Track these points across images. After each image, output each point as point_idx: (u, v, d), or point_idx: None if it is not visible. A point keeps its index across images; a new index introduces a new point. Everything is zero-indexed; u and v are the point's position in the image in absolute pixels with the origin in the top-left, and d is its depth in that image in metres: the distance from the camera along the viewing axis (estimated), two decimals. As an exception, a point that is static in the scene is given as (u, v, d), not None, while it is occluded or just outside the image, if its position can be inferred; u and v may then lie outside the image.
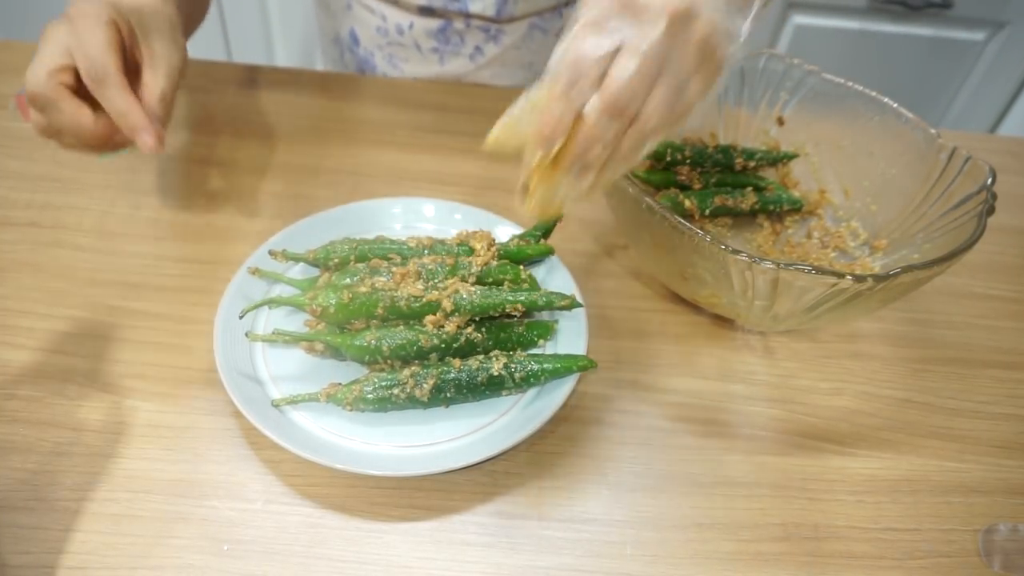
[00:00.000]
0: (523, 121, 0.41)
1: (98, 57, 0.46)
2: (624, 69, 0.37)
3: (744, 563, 0.46)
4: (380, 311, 0.50)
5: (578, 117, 0.39)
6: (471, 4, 0.78)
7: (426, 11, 0.79)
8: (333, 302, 0.49)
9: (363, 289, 0.50)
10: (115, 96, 0.47)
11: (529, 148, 0.41)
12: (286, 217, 0.63)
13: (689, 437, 0.52)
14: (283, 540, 0.44)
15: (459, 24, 0.80)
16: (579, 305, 0.52)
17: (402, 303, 0.50)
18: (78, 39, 0.46)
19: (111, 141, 0.49)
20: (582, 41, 0.38)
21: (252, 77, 0.80)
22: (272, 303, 0.52)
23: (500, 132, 0.42)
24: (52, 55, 0.47)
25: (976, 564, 0.47)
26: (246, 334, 0.51)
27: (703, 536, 0.47)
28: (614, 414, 0.53)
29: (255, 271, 0.55)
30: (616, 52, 0.37)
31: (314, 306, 0.50)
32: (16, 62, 0.78)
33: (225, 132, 0.73)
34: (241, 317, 0.51)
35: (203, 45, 1.60)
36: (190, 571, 0.42)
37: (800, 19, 1.54)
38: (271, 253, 0.55)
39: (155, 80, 0.49)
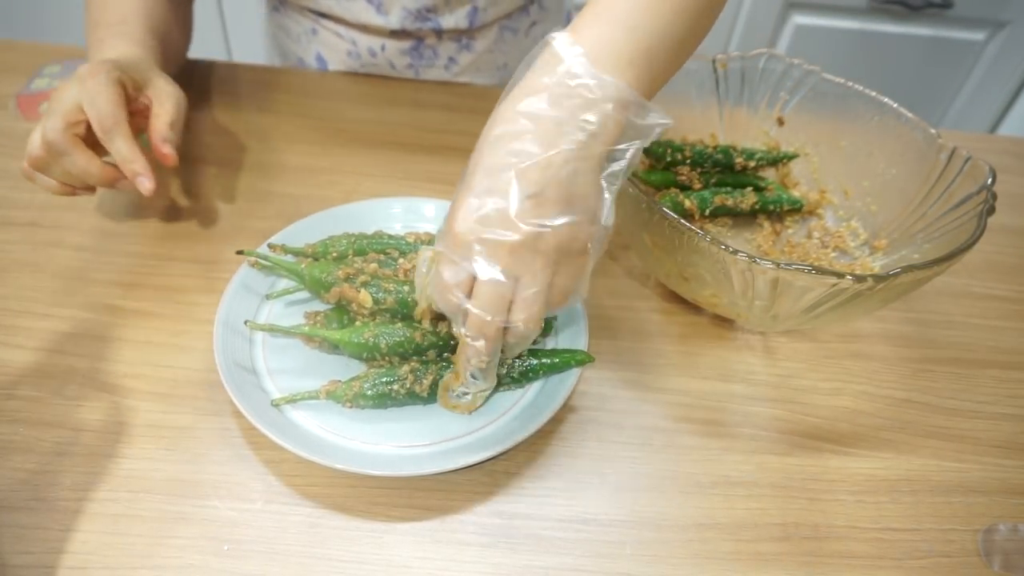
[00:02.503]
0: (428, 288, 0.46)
1: (108, 111, 0.53)
2: (475, 299, 0.41)
3: (744, 563, 0.46)
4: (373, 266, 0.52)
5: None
6: (443, 21, 0.78)
7: (398, 33, 0.79)
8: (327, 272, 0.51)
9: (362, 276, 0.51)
10: (122, 145, 0.54)
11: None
12: (286, 217, 0.63)
13: (689, 437, 0.52)
14: (283, 540, 0.44)
15: (431, 40, 0.80)
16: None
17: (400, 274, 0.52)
18: (90, 96, 0.53)
19: (111, 183, 0.56)
20: (442, 274, 0.42)
21: (252, 77, 0.80)
22: (269, 260, 0.53)
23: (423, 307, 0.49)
24: (67, 110, 0.53)
25: (976, 564, 0.47)
26: (245, 322, 0.51)
27: (703, 536, 0.47)
28: (614, 414, 0.53)
29: (255, 262, 0.55)
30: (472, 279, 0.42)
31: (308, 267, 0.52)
32: (16, 62, 0.78)
33: (225, 132, 0.73)
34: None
35: (203, 45, 1.60)
36: (190, 571, 0.42)
37: (800, 19, 1.54)
38: (270, 246, 0.56)
39: (164, 111, 0.57)
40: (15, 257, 0.58)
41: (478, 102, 0.80)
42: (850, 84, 0.64)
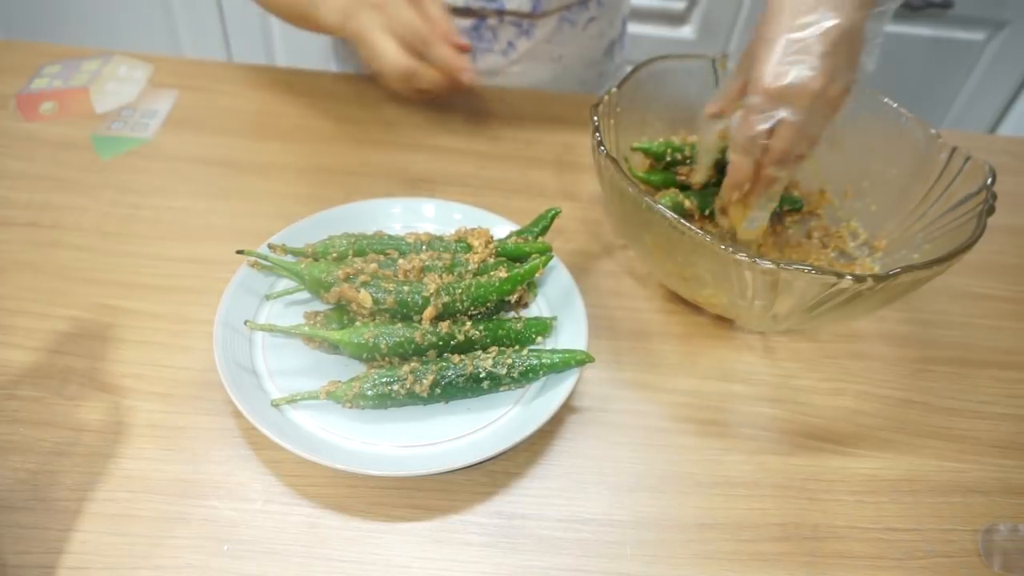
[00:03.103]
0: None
1: (417, 27, 0.60)
2: (784, 140, 0.51)
3: (744, 563, 0.46)
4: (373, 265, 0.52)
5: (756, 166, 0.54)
6: (507, 1, 0.79)
7: (462, 11, 0.81)
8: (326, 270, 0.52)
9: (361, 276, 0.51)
10: (439, 49, 0.60)
11: (725, 191, 0.57)
12: (286, 217, 0.63)
13: (689, 437, 0.52)
14: (283, 540, 0.44)
15: (492, 21, 0.82)
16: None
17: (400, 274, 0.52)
18: (394, 20, 0.60)
19: (449, 88, 0.63)
20: (749, 121, 0.52)
21: (252, 77, 0.80)
22: (269, 260, 0.53)
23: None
24: (388, 40, 0.60)
25: (976, 564, 0.47)
26: (246, 322, 0.51)
27: (703, 536, 0.47)
28: (614, 414, 0.53)
29: (254, 263, 0.55)
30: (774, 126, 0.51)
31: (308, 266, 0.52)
32: (16, 62, 0.78)
33: (225, 132, 0.73)
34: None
35: (203, 45, 1.60)
36: (190, 571, 0.42)
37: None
38: (270, 246, 0.56)
39: (435, 8, 0.62)
40: (15, 257, 0.58)
41: (478, 102, 0.80)
42: (850, 84, 0.64)
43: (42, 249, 0.59)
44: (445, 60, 0.60)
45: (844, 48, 0.49)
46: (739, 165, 0.54)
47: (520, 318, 0.54)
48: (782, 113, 0.50)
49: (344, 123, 0.76)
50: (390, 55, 0.60)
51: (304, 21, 0.70)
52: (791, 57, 0.49)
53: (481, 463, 0.48)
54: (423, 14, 0.61)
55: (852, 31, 0.49)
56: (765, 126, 0.51)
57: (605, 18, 0.89)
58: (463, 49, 0.61)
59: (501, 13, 0.81)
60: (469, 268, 0.54)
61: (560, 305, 0.56)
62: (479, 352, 0.50)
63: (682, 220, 0.48)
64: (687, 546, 0.46)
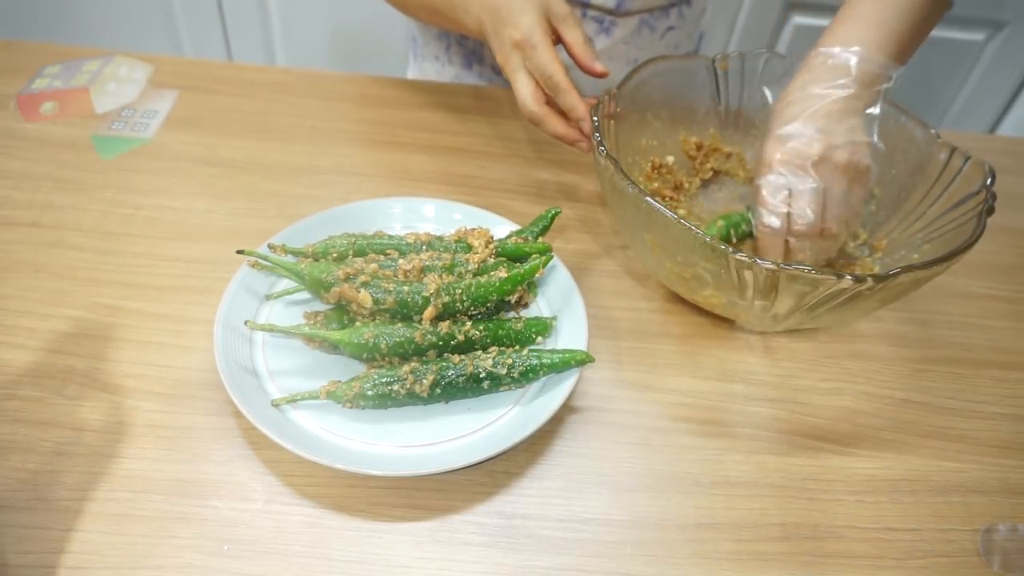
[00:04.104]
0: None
1: (551, 73, 0.59)
2: (801, 210, 0.54)
3: (744, 563, 0.46)
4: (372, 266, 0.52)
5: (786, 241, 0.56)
6: None
7: None
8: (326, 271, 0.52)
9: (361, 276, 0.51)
10: (566, 97, 0.60)
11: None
12: (286, 217, 0.63)
13: (689, 437, 0.52)
14: (283, 540, 0.44)
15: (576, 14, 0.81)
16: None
17: (399, 274, 0.52)
18: (532, 63, 0.60)
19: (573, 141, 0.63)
20: (763, 195, 0.55)
21: (252, 77, 0.80)
22: (269, 260, 0.53)
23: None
24: (527, 83, 0.61)
25: (976, 564, 0.47)
26: (246, 322, 0.51)
27: (703, 536, 0.47)
28: (614, 414, 0.53)
29: (255, 263, 0.55)
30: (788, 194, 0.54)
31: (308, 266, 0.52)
32: (16, 62, 0.78)
33: (225, 132, 0.73)
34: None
35: (203, 45, 1.60)
36: (190, 571, 0.42)
37: (800, 19, 1.54)
38: (270, 246, 0.56)
39: (573, 35, 0.62)
40: (16, 257, 0.59)
41: (478, 103, 0.80)
42: (850, 84, 0.64)
43: (43, 249, 0.59)
44: (568, 104, 0.60)
45: (836, 120, 0.53)
46: (762, 240, 0.57)
47: (520, 318, 0.54)
48: (793, 181, 0.53)
49: (344, 123, 0.76)
50: (522, 98, 0.61)
51: (448, 23, 0.70)
52: (788, 129, 0.54)
53: (481, 463, 0.48)
54: (567, 40, 0.62)
55: (848, 108, 0.54)
56: (775, 195, 0.54)
57: (684, 30, 0.88)
58: (600, 75, 0.61)
59: (585, 6, 0.80)
60: (469, 268, 0.54)
61: (560, 305, 0.56)
62: (479, 352, 0.50)
63: (682, 220, 0.49)
64: (687, 546, 0.46)
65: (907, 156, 0.61)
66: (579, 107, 0.60)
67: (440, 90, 0.82)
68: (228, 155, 0.70)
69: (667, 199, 0.67)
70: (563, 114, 0.61)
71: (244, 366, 0.50)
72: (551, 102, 0.62)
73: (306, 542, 0.44)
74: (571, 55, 0.62)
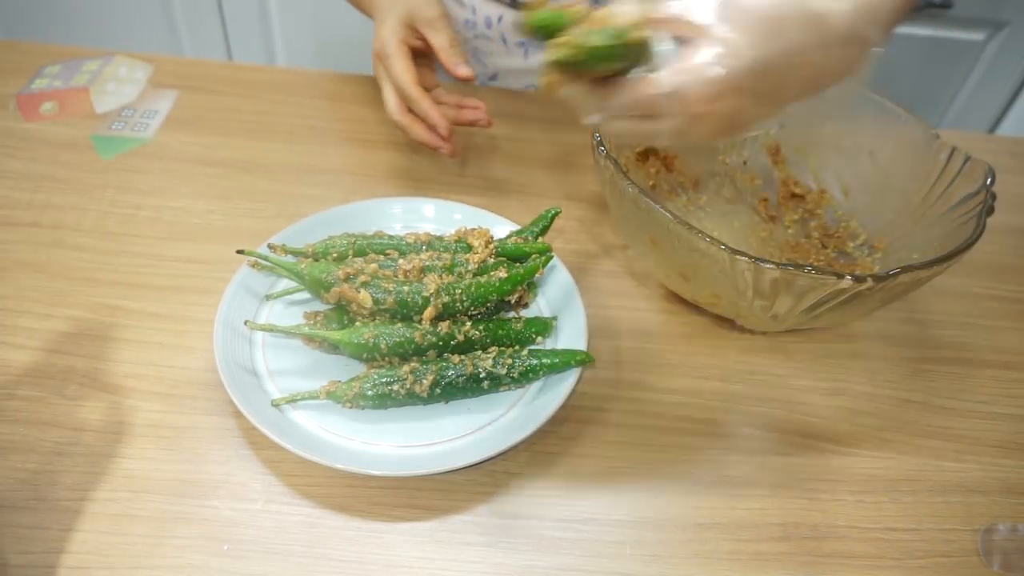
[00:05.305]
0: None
1: (402, 84, 0.61)
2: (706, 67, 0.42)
3: (744, 563, 0.46)
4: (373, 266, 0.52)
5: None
6: None
7: (519, 4, 0.80)
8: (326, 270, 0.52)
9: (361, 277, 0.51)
10: (418, 106, 0.61)
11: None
12: (286, 217, 0.63)
13: (689, 437, 0.52)
14: (283, 540, 0.44)
15: None
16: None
17: (400, 274, 0.52)
18: (389, 73, 0.62)
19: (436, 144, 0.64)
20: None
21: (252, 77, 0.80)
22: (269, 260, 0.53)
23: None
24: (390, 93, 0.63)
25: (976, 564, 0.47)
26: (246, 322, 0.51)
27: (703, 536, 0.47)
28: (614, 414, 0.53)
29: (255, 263, 0.55)
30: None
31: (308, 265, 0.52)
32: (16, 62, 0.78)
33: (225, 132, 0.73)
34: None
35: (203, 45, 1.60)
36: (190, 571, 0.42)
37: (800, 19, 1.54)
38: (270, 247, 0.56)
39: (439, 39, 0.62)
40: (16, 257, 0.58)
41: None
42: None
43: (43, 249, 0.59)
44: (424, 114, 0.61)
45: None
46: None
47: (520, 318, 0.54)
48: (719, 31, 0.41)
49: (344, 123, 0.76)
50: (387, 106, 0.63)
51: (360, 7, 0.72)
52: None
53: (481, 463, 0.48)
54: (433, 45, 0.62)
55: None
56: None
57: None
58: (464, 79, 0.61)
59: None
60: (469, 268, 0.54)
61: (560, 305, 0.56)
62: (479, 352, 0.50)
63: (682, 220, 0.48)
64: (687, 546, 0.46)
65: (907, 156, 0.61)
66: (431, 114, 0.61)
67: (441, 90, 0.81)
68: (228, 155, 0.70)
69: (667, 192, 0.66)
70: None
71: (244, 366, 0.50)
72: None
73: (306, 542, 0.44)
74: (438, 60, 0.63)
